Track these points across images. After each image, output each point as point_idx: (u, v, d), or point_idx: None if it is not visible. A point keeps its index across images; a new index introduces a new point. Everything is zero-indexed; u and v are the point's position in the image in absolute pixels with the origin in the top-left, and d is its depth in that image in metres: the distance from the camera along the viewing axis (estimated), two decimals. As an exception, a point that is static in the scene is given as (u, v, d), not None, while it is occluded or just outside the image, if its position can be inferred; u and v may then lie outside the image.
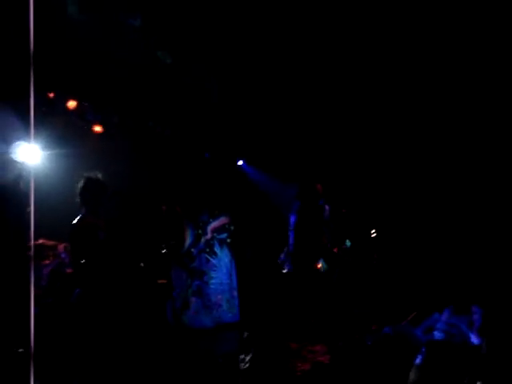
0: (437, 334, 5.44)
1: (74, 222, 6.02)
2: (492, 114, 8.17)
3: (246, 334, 7.00)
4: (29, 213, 5.71)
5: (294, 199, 8.23)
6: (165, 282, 7.79)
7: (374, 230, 9.31)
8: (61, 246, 7.20)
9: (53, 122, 7.76)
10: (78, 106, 8.10)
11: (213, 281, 7.67)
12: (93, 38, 7.79)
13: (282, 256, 8.26)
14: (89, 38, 7.75)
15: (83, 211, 6.07)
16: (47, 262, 7.06)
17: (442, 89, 8.48)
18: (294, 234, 8.13)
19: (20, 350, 4.97)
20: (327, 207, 8.33)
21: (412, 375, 3.67)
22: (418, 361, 4.56)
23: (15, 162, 6.51)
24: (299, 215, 8.17)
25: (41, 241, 7.06)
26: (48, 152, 7.40)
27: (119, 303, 6.33)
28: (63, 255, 7.27)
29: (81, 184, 6.11)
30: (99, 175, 6.21)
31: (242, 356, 6.70)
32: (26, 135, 6.57)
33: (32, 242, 5.19)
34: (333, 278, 8.05)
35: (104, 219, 6.13)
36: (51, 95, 7.77)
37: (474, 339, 5.63)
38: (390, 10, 8.05)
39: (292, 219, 8.14)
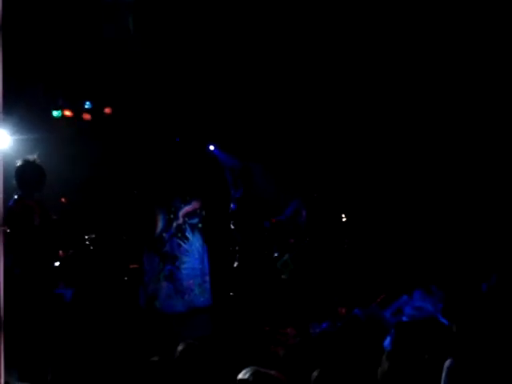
0: (404, 317, 5.56)
1: (10, 203, 5.69)
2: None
3: None
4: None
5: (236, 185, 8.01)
6: (136, 266, 7.78)
7: (344, 215, 9.39)
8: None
9: (22, 107, 7.68)
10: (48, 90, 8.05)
11: (184, 265, 7.73)
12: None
13: None
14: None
15: (19, 193, 5.75)
16: None
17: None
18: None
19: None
20: None
21: (384, 360, 3.76)
22: (386, 343, 4.66)
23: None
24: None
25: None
26: (17, 137, 7.33)
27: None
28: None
29: (18, 166, 5.81)
30: (36, 158, 5.89)
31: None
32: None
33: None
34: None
35: (39, 204, 5.95)
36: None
37: (442, 319, 5.77)
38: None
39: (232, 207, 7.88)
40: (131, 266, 7.74)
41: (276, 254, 8.31)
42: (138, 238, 7.69)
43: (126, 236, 7.86)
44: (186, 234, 7.79)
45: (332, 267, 8.21)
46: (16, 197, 5.74)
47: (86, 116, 8.69)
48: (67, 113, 8.45)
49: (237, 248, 7.73)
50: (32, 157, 5.88)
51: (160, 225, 7.66)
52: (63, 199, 7.26)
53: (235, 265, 7.68)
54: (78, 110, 8.66)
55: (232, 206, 7.77)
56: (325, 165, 9.42)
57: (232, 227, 7.70)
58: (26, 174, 5.77)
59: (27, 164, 5.82)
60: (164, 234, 7.69)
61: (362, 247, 8.97)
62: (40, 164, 5.90)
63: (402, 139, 8.96)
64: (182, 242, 7.75)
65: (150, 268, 7.58)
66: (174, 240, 7.71)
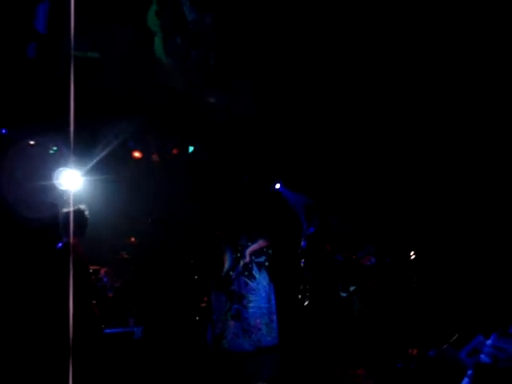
0: (483, 357, 5.32)
1: (59, 245, 6.05)
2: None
3: None
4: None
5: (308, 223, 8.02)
6: (205, 305, 7.80)
7: (413, 252, 9.20)
8: (103, 271, 7.31)
9: (94, 148, 7.91)
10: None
11: (251, 304, 7.69)
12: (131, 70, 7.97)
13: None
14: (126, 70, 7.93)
15: (65, 239, 6.05)
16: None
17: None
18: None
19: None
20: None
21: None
22: (464, 384, 4.50)
23: (57, 188, 6.64)
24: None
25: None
26: (89, 178, 7.54)
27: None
28: (105, 279, 7.38)
29: (64, 214, 6.08)
30: (82, 207, 6.23)
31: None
32: (67, 162, 6.70)
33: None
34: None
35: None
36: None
37: None
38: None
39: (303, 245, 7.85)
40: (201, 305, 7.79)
41: (344, 295, 8.20)
42: (206, 277, 7.72)
43: (196, 275, 7.91)
44: (253, 272, 7.75)
45: (401, 307, 8.04)
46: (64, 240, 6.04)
47: (155, 157, 8.89)
48: (136, 154, 8.66)
49: (307, 287, 7.66)
50: (77, 206, 6.15)
51: (227, 263, 7.67)
52: (133, 239, 7.40)
53: (305, 303, 7.60)
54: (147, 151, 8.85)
55: (303, 243, 7.73)
56: (395, 206, 9.30)
57: (302, 265, 7.65)
58: (74, 223, 5.97)
59: (74, 213, 6.04)
60: (231, 273, 7.67)
61: (432, 286, 8.76)
62: (86, 213, 6.19)
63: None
64: (248, 281, 7.71)
65: (218, 307, 7.57)
66: (240, 278, 7.68)
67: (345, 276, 8.17)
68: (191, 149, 9.02)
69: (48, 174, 6.70)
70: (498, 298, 7.65)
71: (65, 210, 6.10)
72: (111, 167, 8.02)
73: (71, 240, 5.88)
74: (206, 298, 7.73)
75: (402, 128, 9.04)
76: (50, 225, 6.31)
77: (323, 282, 7.56)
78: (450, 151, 8.83)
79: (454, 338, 6.59)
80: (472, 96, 8.27)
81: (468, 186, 8.83)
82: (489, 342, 5.56)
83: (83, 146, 7.57)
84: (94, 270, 7.07)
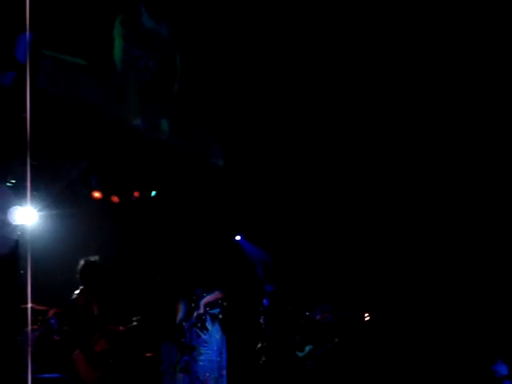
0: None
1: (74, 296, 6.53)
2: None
3: None
4: (22, 275, 5.66)
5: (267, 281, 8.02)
6: (151, 355, 7.55)
7: (367, 314, 9.19)
8: (51, 312, 7.00)
9: (51, 185, 7.74)
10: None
11: (202, 357, 7.48)
12: (101, 107, 7.88)
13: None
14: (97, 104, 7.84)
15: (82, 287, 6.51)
16: (35, 327, 6.86)
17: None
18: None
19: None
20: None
21: None
22: None
23: (12, 224, 6.49)
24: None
25: (31, 305, 6.87)
26: (44, 213, 7.35)
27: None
28: (53, 321, 7.06)
29: (80, 267, 6.52)
30: (98, 259, 6.61)
31: None
32: (22, 198, 6.57)
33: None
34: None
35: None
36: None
37: None
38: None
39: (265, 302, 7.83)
40: (147, 355, 7.53)
41: (300, 355, 8.09)
42: (157, 326, 7.51)
43: (146, 323, 7.68)
44: (206, 324, 7.58)
45: (356, 366, 7.99)
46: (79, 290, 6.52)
47: (115, 198, 8.73)
48: (96, 194, 8.48)
49: (264, 344, 7.52)
50: (93, 257, 6.59)
51: (180, 314, 7.48)
52: None
53: (262, 360, 7.46)
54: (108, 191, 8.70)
55: (265, 301, 7.63)
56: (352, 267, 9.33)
57: (262, 322, 7.53)
58: (89, 274, 6.52)
59: (89, 265, 6.54)
60: (184, 324, 7.49)
61: (384, 347, 8.75)
62: (100, 264, 6.61)
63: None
64: (201, 333, 7.54)
65: (167, 358, 7.36)
66: (193, 330, 7.50)
67: (302, 335, 8.06)
68: (153, 193, 8.91)
69: (4, 207, 6.53)
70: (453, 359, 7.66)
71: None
72: (70, 205, 7.85)
73: None
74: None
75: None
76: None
77: (281, 341, 7.43)
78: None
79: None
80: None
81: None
82: None
83: (42, 181, 7.41)
84: (41, 310, 6.79)
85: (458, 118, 8.50)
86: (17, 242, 6.23)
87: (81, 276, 6.57)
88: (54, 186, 7.82)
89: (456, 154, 8.61)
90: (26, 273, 5.06)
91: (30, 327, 5.97)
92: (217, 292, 7.69)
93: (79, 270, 6.56)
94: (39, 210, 7.19)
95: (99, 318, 6.47)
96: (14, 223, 6.46)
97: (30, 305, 6.83)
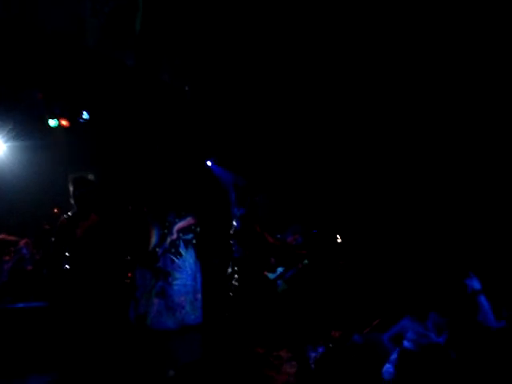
0: (406, 344, 5.37)
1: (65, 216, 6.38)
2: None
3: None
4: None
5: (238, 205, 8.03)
6: (128, 281, 7.61)
7: (339, 236, 9.27)
8: (22, 242, 6.98)
9: (17, 115, 7.55)
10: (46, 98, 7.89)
11: (177, 282, 7.57)
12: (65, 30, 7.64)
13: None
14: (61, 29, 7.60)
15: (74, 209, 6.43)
16: (7, 258, 6.85)
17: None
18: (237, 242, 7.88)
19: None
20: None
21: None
22: (386, 370, 4.52)
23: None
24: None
25: (1, 236, 6.85)
26: (11, 144, 7.21)
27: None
28: (24, 251, 7.05)
29: (70, 185, 6.47)
30: (88, 175, 6.85)
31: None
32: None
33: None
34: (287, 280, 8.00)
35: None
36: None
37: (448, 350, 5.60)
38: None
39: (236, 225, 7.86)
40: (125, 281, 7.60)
41: (271, 276, 8.19)
42: (131, 253, 7.54)
43: (121, 250, 7.71)
44: (180, 249, 7.64)
45: (326, 290, 8.09)
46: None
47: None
48: (64, 122, 8.31)
49: (235, 267, 7.61)
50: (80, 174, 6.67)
51: (154, 239, 7.51)
52: (56, 209, 7.14)
53: (233, 283, 7.56)
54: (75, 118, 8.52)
55: (236, 223, 7.66)
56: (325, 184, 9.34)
57: (232, 245, 7.59)
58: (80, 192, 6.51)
59: (78, 181, 6.52)
60: (157, 249, 7.53)
61: (357, 269, 8.85)
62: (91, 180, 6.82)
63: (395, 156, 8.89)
64: (175, 258, 7.59)
65: (142, 283, 7.42)
66: (167, 255, 7.55)
67: (273, 256, 8.15)
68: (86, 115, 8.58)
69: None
70: (420, 283, 7.81)
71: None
72: (35, 134, 7.71)
73: None
74: (129, 274, 7.54)
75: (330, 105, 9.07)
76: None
77: (252, 263, 7.51)
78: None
79: (376, 322, 6.67)
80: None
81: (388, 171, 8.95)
82: (411, 326, 5.62)
83: (6, 111, 7.25)
84: (13, 240, 6.78)
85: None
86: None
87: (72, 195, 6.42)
88: (21, 116, 7.66)
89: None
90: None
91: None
92: (189, 218, 7.72)
93: (71, 190, 6.44)
94: (6, 142, 7.09)
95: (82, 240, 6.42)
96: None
97: (1, 236, 6.82)
